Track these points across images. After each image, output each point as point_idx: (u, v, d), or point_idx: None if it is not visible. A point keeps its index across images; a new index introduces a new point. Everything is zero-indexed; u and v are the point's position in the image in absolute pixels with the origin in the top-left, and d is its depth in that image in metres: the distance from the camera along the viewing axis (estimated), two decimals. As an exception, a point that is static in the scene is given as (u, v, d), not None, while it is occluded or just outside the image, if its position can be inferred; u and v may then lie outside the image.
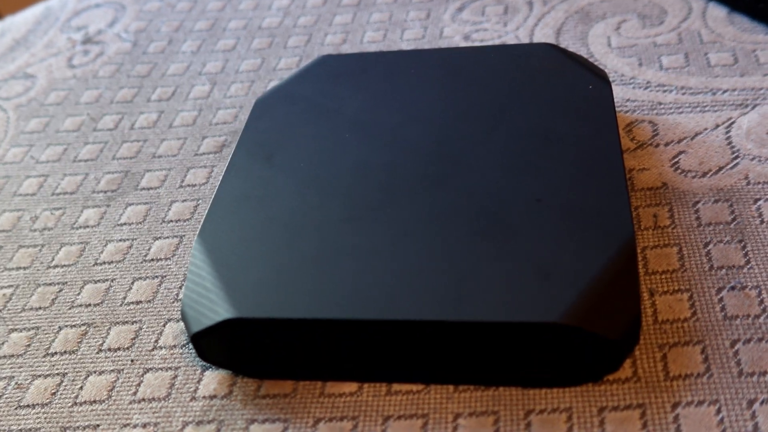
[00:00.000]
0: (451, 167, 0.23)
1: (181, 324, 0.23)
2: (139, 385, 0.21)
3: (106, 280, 0.25)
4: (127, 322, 0.23)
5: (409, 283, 0.19)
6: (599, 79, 0.25)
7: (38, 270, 0.26)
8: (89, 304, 0.24)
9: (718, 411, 0.19)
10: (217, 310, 0.20)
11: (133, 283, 0.25)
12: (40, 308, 0.24)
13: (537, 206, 0.21)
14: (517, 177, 0.22)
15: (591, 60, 0.31)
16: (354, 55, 0.29)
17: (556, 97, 0.25)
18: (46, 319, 0.24)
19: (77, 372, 0.22)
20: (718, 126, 0.27)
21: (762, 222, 0.23)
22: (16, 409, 0.21)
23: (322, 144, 0.25)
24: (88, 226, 0.27)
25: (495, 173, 0.22)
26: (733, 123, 0.27)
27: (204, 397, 0.21)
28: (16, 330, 0.24)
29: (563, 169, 0.22)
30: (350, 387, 0.20)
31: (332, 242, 0.21)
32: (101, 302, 0.24)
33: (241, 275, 0.20)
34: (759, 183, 0.24)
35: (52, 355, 0.23)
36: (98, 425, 0.21)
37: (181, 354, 0.22)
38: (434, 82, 0.27)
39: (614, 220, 0.20)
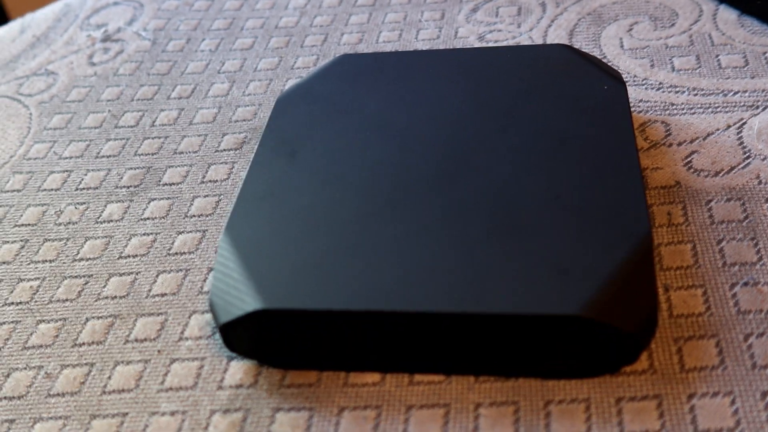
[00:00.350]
0: (467, 165, 0.23)
1: (206, 316, 0.24)
2: (166, 374, 0.22)
3: (131, 273, 0.26)
4: (152, 313, 0.24)
5: (431, 276, 0.20)
6: (614, 79, 0.26)
7: (64, 263, 0.26)
8: (115, 296, 0.25)
9: (733, 402, 0.19)
10: (247, 300, 0.20)
11: (157, 276, 0.25)
12: (66, 300, 0.25)
13: (554, 203, 0.22)
14: (533, 175, 0.23)
15: (604, 61, 0.32)
16: (372, 54, 0.29)
17: (571, 98, 0.25)
18: (73, 310, 0.25)
19: (105, 362, 0.23)
20: (729, 126, 0.27)
21: (774, 220, 0.23)
22: (46, 397, 0.22)
23: (342, 142, 0.25)
24: (111, 221, 0.28)
25: (511, 171, 0.23)
26: (744, 124, 0.27)
27: (230, 386, 0.21)
28: (44, 321, 0.24)
29: (579, 168, 0.23)
30: (373, 377, 0.21)
31: (354, 236, 0.22)
32: (127, 294, 0.25)
33: (267, 268, 0.21)
34: (770, 182, 0.25)
35: (80, 345, 0.23)
36: (127, 413, 0.21)
37: (206, 345, 0.23)
38: (451, 81, 0.27)
39: (631, 217, 0.21)
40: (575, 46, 0.33)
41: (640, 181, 0.22)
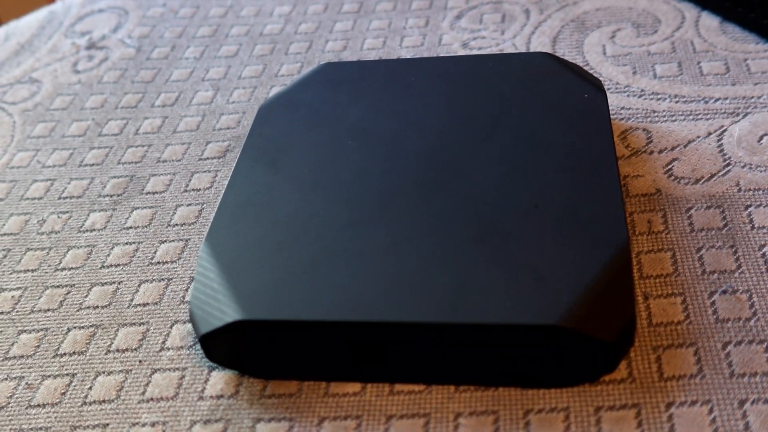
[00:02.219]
0: (449, 173, 0.24)
1: (188, 325, 0.24)
2: (147, 385, 0.22)
3: (114, 282, 0.25)
4: (134, 323, 0.24)
5: (411, 286, 0.20)
6: (594, 87, 0.26)
7: (46, 272, 0.26)
8: (97, 306, 0.25)
9: (711, 411, 0.19)
10: (226, 311, 0.20)
11: (139, 285, 0.25)
12: (48, 310, 0.25)
13: (534, 212, 0.22)
14: (513, 183, 0.23)
15: (586, 68, 0.32)
16: (354, 62, 0.29)
17: (552, 106, 0.25)
18: (54, 320, 0.25)
19: (86, 372, 0.23)
20: (710, 134, 0.28)
21: (753, 228, 0.24)
22: (26, 408, 0.22)
23: (324, 150, 0.25)
24: (94, 230, 0.28)
25: (492, 180, 0.23)
26: (724, 131, 0.28)
27: (211, 396, 0.21)
28: (25, 331, 0.24)
29: (559, 176, 0.23)
30: (354, 387, 0.21)
31: (335, 246, 0.22)
32: (109, 304, 0.25)
33: (248, 278, 0.21)
34: (750, 190, 0.25)
35: (62, 355, 0.23)
36: (107, 424, 0.21)
37: (188, 355, 0.23)
38: (433, 90, 0.27)
39: (609, 225, 0.21)
40: (558, 53, 0.33)
41: (619, 190, 0.22)
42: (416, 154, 0.25)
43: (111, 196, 0.29)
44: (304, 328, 0.20)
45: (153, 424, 0.21)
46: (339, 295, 0.20)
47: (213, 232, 0.23)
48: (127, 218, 0.28)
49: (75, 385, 0.22)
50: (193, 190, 0.29)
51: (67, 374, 0.23)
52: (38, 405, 0.22)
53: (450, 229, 0.22)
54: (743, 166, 0.26)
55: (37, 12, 0.42)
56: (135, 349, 0.23)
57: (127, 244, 0.27)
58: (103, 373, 0.23)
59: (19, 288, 0.26)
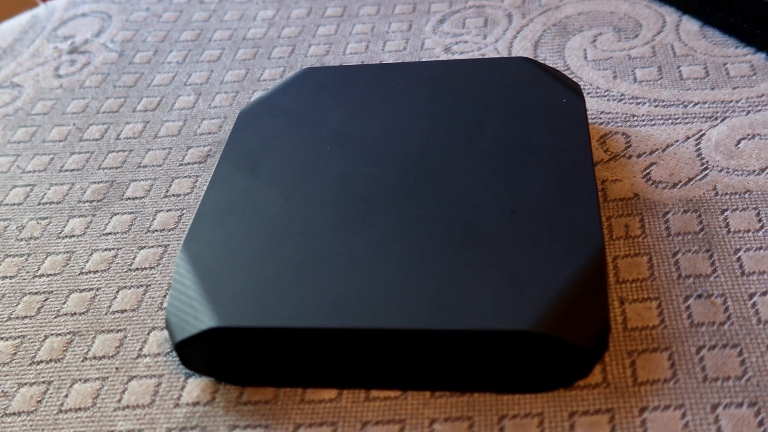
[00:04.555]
0: (429, 179, 0.24)
1: (166, 332, 0.23)
2: (123, 392, 0.22)
3: (92, 289, 0.25)
4: (112, 330, 0.24)
5: (387, 293, 0.20)
6: (573, 92, 0.26)
7: (24, 279, 0.26)
8: (75, 313, 0.25)
9: (683, 415, 0.19)
10: (201, 318, 0.20)
11: (118, 292, 0.25)
12: (26, 317, 0.25)
13: (511, 217, 0.22)
14: (492, 189, 0.23)
15: (567, 72, 0.32)
16: (335, 67, 0.29)
17: (530, 110, 0.26)
18: (32, 327, 0.24)
19: (63, 380, 0.23)
20: (688, 138, 0.28)
21: (728, 232, 0.24)
22: (2, 417, 0.22)
23: (304, 155, 0.25)
24: (73, 236, 0.28)
25: (471, 185, 0.23)
26: (703, 135, 0.28)
27: (187, 403, 0.21)
28: (2, 339, 0.24)
29: (536, 181, 0.23)
30: (330, 393, 0.21)
31: (313, 252, 0.22)
32: (87, 311, 0.25)
33: (224, 285, 0.21)
34: (726, 194, 0.25)
35: (38, 363, 0.23)
36: (83, 432, 0.21)
37: (165, 362, 0.23)
38: (414, 95, 0.27)
39: (584, 230, 0.21)
40: (540, 58, 0.33)
41: (595, 195, 0.22)
42: (396, 159, 0.25)
43: (91, 201, 0.29)
44: (280, 335, 0.20)
45: (129, 432, 0.21)
46: (315, 301, 0.20)
47: (190, 239, 0.23)
48: (107, 224, 0.28)
49: (51, 393, 0.22)
50: (173, 195, 0.29)
51: (43, 382, 0.23)
52: (14, 413, 0.22)
53: (428, 235, 0.22)
54: (720, 170, 0.26)
55: (20, 16, 0.42)
56: (112, 356, 0.23)
57: (106, 250, 0.27)
58: (80, 380, 0.23)
59: (-3, 295, 0.26)
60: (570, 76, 0.32)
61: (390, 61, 0.34)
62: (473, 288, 0.20)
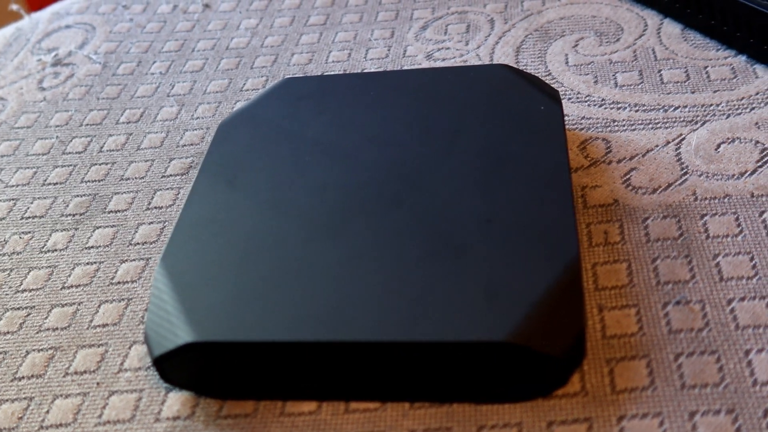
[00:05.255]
0: (407, 188, 0.24)
1: (146, 346, 0.23)
2: (104, 407, 0.22)
3: (74, 303, 0.25)
4: (93, 345, 0.24)
5: (364, 305, 0.20)
6: (551, 99, 0.26)
7: (7, 294, 0.26)
8: (56, 328, 0.25)
9: (661, 423, 0.19)
10: (179, 333, 0.20)
11: (99, 306, 0.25)
12: (8, 333, 0.25)
13: (487, 227, 0.22)
14: (469, 198, 0.23)
15: (548, 78, 0.32)
16: (315, 77, 0.29)
17: (508, 118, 0.26)
18: (14, 343, 0.24)
19: (44, 396, 0.23)
20: (668, 143, 0.28)
21: (708, 237, 0.24)
22: (-17, 433, 0.22)
23: (283, 166, 0.25)
24: (56, 250, 0.28)
25: (449, 194, 0.23)
26: (683, 139, 0.28)
27: (167, 418, 0.21)
28: (-16, 355, 0.24)
29: (512, 190, 0.23)
30: (309, 406, 0.21)
31: (291, 265, 0.22)
32: (68, 326, 0.25)
33: (202, 299, 0.21)
34: (706, 199, 0.25)
35: (20, 379, 0.23)
36: (64, 448, 0.21)
37: (145, 376, 0.23)
38: (393, 103, 0.27)
39: (560, 239, 0.21)
40: (521, 63, 0.33)
41: (571, 203, 0.22)
42: (374, 169, 0.25)
43: (73, 215, 0.29)
44: (259, 348, 0.20)
45: (109, 448, 0.21)
46: (293, 315, 0.20)
47: (168, 253, 0.23)
48: (89, 237, 0.28)
49: (32, 409, 0.22)
50: (155, 207, 0.29)
51: (24, 398, 0.23)
52: (-5, 430, 0.22)
53: (405, 246, 0.22)
54: (700, 175, 0.26)
55: (4, 29, 0.42)
56: (93, 371, 0.23)
57: (88, 264, 0.27)
58: (61, 396, 0.23)
59: (-21, 311, 0.26)
60: (551, 82, 0.32)
61: (372, 69, 0.34)
62: (449, 299, 0.20)
